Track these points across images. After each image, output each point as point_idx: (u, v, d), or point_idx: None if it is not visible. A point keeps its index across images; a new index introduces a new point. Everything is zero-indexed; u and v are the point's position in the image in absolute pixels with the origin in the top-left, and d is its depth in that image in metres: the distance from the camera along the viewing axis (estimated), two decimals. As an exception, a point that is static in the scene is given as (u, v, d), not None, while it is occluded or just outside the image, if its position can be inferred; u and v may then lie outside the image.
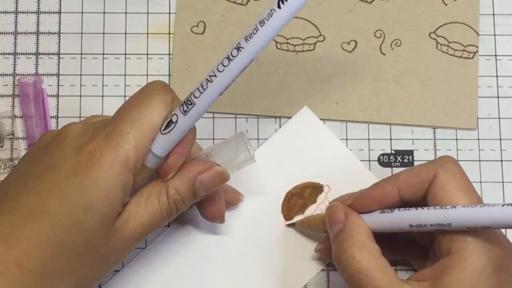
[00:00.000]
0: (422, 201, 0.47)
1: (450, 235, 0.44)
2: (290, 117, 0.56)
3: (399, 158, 0.56)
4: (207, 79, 0.41)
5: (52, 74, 0.57)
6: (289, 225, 0.54)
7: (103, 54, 0.57)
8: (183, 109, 0.42)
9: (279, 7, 0.39)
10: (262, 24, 0.39)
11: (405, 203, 0.47)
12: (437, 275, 0.44)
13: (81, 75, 0.57)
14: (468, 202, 0.45)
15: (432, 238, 0.47)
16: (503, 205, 0.41)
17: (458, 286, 0.43)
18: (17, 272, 0.40)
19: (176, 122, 0.43)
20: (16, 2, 0.58)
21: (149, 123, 0.43)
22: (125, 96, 0.56)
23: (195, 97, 0.42)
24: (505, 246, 0.46)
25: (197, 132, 0.45)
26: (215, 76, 0.41)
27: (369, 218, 0.48)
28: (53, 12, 0.58)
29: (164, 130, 0.43)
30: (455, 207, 0.44)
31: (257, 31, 0.39)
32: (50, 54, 0.57)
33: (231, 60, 0.40)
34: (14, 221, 0.41)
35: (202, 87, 0.42)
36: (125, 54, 0.57)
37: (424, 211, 0.45)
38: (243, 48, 0.40)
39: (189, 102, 0.42)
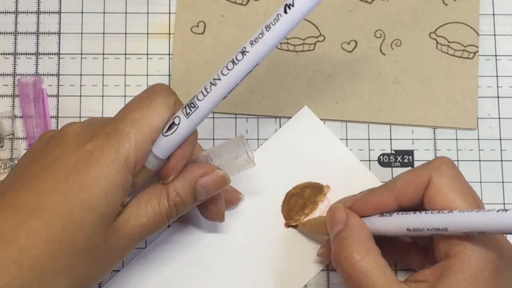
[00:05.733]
0: (420, 205, 0.47)
1: (448, 239, 0.44)
2: (290, 117, 0.56)
3: (399, 158, 0.56)
4: (211, 82, 0.41)
5: (52, 74, 0.57)
6: (290, 226, 0.54)
7: (103, 54, 0.57)
8: (185, 111, 0.42)
9: (285, 12, 0.38)
10: (268, 28, 0.39)
11: (403, 208, 0.47)
12: (436, 277, 0.44)
13: (81, 75, 0.57)
14: (464, 205, 0.45)
15: (431, 240, 0.47)
16: (497, 211, 0.41)
17: None
18: (16, 269, 0.40)
19: (179, 124, 0.43)
20: (16, 2, 0.58)
21: (151, 124, 0.43)
22: (125, 96, 0.56)
23: (199, 100, 0.42)
24: (504, 247, 0.46)
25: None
26: (219, 79, 0.41)
27: (369, 221, 0.48)
28: (53, 12, 0.57)
29: (166, 132, 0.43)
30: (452, 212, 0.43)
31: (262, 36, 0.39)
32: (50, 54, 0.57)
33: (236, 64, 0.40)
34: (13, 219, 0.41)
35: (205, 90, 0.41)
36: (125, 54, 0.57)
37: (422, 216, 0.45)
38: (248, 52, 0.40)
39: (192, 105, 0.42)
